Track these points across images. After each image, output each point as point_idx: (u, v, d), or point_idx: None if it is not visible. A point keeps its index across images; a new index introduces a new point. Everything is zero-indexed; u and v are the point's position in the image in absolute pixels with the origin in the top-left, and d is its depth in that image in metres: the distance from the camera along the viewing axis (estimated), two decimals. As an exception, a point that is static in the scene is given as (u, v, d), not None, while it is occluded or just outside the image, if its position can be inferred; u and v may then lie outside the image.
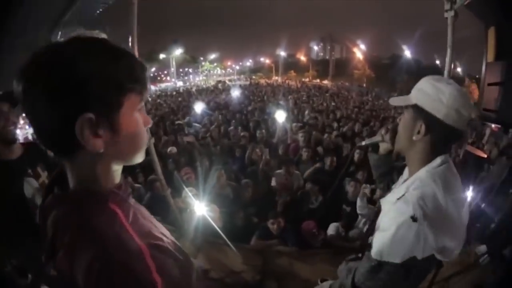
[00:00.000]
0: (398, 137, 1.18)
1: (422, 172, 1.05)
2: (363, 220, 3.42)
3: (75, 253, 0.58)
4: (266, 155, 4.87)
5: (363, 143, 1.49)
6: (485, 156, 3.71)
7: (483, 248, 2.79)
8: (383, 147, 1.39)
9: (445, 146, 1.07)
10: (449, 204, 0.97)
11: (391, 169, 1.45)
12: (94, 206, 0.63)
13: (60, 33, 3.00)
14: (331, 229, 3.44)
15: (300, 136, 5.54)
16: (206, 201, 3.22)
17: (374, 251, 1.04)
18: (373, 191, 3.54)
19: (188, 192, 3.37)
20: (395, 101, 1.17)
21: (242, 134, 6.09)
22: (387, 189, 1.43)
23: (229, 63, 54.07)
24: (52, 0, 2.78)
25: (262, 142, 5.54)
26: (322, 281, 2.10)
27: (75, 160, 0.64)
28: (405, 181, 1.16)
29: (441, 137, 1.04)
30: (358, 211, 3.38)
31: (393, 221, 1.00)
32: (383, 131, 1.31)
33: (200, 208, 3.06)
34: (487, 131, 12.56)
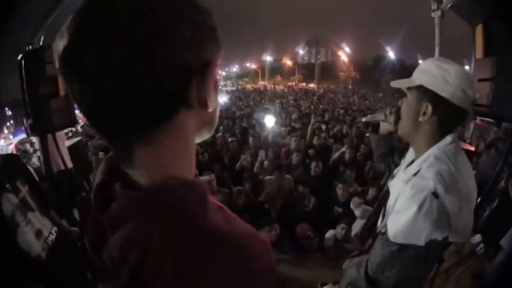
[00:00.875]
0: (402, 121, 1.13)
1: (434, 150, 1.02)
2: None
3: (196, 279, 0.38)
4: (262, 156, 4.84)
5: (363, 119, 1.46)
6: (473, 149, 3.78)
7: (478, 237, 2.81)
8: (384, 127, 1.37)
9: (451, 126, 1.05)
10: (463, 181, 0.96)
11: (392, 149, 1.43)
12: (199, 204, 0.43)
13: (42, 37, 2.88)
14: (328, 238, 3.39)
15: (293, 140, 5.54)
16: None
17: (393, 235, 0.98)
18: (363, 193, 3.55)
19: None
20: (397, 83, 1.13)
21: (230, 140, 6.06)
22: (388, 169, 1.43)
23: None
24: (36, 3, 2.70)
25: (254, 148, 5.52)
26: (322, 285, 2.08)
27: (157, 139, 0.42)
28: (411, 163, 1.13)
29: (447, 117, 1.03)
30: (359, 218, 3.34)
31: (411, 199, 0.94)
32: (387, 111, 1.26)
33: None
34: (471, 125, 12.88)
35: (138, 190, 0.42)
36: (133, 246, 0.40)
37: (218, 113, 0.51)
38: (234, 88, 31.70)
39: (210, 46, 0.43)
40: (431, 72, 1.03)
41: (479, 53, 2.20)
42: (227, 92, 20.92)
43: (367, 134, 1.49)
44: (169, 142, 0.43)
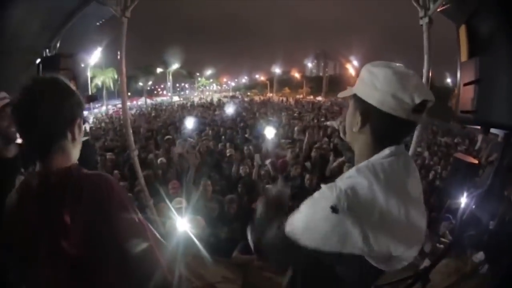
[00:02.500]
0: (346, 128, 1.06)
1: (364, 162, 0.90)
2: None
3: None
4: (258, 161, 4.89)
5: (328, 123, 1.52)
6: (476, 162, 3.72)
7: (480, 255, 2.68)
8: (341, 132, 1.25)
9: (389, 137, 0.92)
10: (390, 201, 0.82)
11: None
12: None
13: (59, 42, 3.12)
14: None
15: (289, 152, 5.59)
16: (191, 213, 3.24)
17: (287, 229, 0.94)
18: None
19: (171, 207, 3.38)
20: (341, 94, 1.06)
21: (228, 150, 6.15)
22: None
23: (224, 80, 54.62)
24: (53, 11, 2.89)
25: (249, 158, 5.58)
26: None
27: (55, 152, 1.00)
28: None
29: (380, 126, 0.92)
30: None
31: (311, 203, 0.89)
32: (340, 119, 1.23)
33: (183, 224, 3.07)
34: (480, 138, 12.64)
35: None
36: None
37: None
38: (242, 99, 31.79)
39: (74, 112, 0.98)
40: (362, 78, 0.94)
41: (463, 55, 2.08)
42: (234, 103, 21.05)
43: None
44: (59, 153, 0.99)
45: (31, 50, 2.86)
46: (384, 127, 0.91)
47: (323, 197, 0.86)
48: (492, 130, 2.07)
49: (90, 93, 18.65)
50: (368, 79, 0.91)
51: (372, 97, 0.89)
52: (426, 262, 3.03)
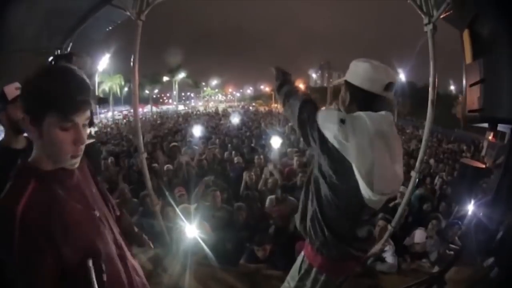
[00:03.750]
0: (339, 106, 1.47)
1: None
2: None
3: None
4: (267, 174, 4.89)
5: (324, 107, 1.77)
6: (483, 166, 3.69)
7: (490, 260, 2.63)
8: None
9: (369, 106, 1.31)
10: (377, 141, 1.21)
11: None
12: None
13: (71, 44, 3.23)
14: None
15: (295, 160, 5.59)
16: (198, 220, 3.25)
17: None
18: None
19: (179, 213, 3.39)
20: (336, 81, 1.76)
21: (235, 159, 6.17)
22: None
23: (230, 90, 55.07)
24: (66, 14, 2.99)
25: (259, 167, 5.59)
26: None
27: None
28: None
29: (362, 101, 1.33)
30: None
31: (326, 112, 1.34)
32: (335, 102, 1.60)
33: (192, 231, 3.08)
34: (485, 144, 12.47)
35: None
36: None
37: (54, 149, 0.92)
38: (247, 109, 31.96)
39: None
40: (350, 70, 1.39)
41: (468, 58, 2.19)
42: (239, 113, 21.17)
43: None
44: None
45: (44, 51, 2.96)
46: (365, 101, 1.32)
47: (335, 114, 1.28)
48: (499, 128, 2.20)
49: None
50: (354, 69, 1.37)
51: (357, 80, 1.34)
52: (436, 269, 3.00)
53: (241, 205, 3.98)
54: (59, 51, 2.99)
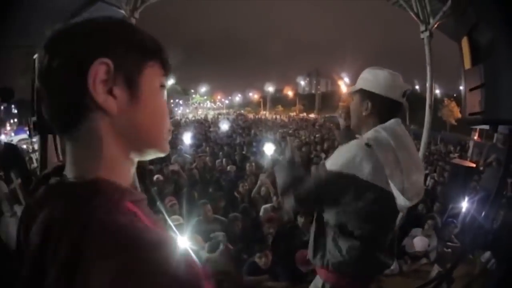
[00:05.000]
0: (351, 117, 1.45)
1: (377, 126, 1.29)
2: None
3: (86, 266, 0.38)
4: (262, 181, 4.82)
5: (327, 115, 1.78)
6: (474, 165, 3.80)
7: (487, 255, 2.79)
8: (341, 123, 1.68)
9: (389, 114, 1.31)
10: (401, 151, 1.20)
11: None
12: (108, 202, 0.45)
13: None
14: None
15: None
16: (190, 232, 3.14)
17: (327, 166, 1.26)
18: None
19: (171, 223, 3.27)
20: (349, 89, 1.47)
21: (228, 167, 6.09)
22: None
23: (218, 97, 55.23)
24: (56, 11, 2.91)
25: (251, 175, 5.52)
26: None
27: (79, 138, 0.49)
28: None
29: (384, 107, 1.32)
30: None
31: (344, 148, 1.26)
32: (339, 112, 1.63)
33: (183, 242, 2.95)
34: (471, 143, 12.99)
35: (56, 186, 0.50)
36: (42, 229, 0.44)
37: (143, 122, 0.53)
38: (235, 117, 32.08)
39: (88, 57, 0.47)
40: (366, 78, 1.37)
41: (467, 63, 2.28)
42: (228, 120, 21.18)
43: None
44: (85, 141, 0.49)
45: (32, 49, 2.82)
46: (386, 108, 1.32)
47: (354, 143, 1.24)
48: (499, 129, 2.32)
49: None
50: (373, 78, 1.35)
51: (378, 88, 1.32)
52: (436, 268, 3.00)
53: (237, 215, 3.87)
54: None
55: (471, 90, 2.23)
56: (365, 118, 1.35)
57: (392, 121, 1.29)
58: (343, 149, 1.26)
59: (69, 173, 0.50)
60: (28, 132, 2.59)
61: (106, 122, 0.49)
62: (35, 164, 3.86)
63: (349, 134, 1.63)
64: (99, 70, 0.46)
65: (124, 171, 0.53)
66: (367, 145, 1.18)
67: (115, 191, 0.47)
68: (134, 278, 0.37)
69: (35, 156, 4.39)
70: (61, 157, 2.87)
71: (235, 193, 4.91)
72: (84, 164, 0.49)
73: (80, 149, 0.50)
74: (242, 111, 39.78)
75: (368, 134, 1.26)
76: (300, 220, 3.79)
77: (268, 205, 4.22)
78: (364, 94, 1.35)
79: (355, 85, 1.42)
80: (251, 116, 36.13)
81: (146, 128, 0.53)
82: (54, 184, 0.50)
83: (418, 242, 3.68)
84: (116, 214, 0.43)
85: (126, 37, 0.51)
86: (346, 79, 47.37)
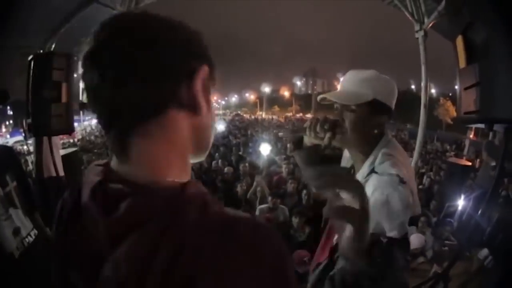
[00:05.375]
0: (350, 134, 1.07)
1: (385, 149, 1.05)
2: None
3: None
4: (263, 185, 4.76)
5: (281, 134, 1.39)
6: (470, 164, 3.84)
7: (484, 252, 2.78)
8: (310, 140, 1.16)
9: (386, 126, 1.13)
10: (407, 166, 1.04)
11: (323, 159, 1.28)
12: (207, 197, 0.44)
13: (54, 44, 3.10)
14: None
15: (284, 168, 5.55)
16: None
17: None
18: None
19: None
20: (346, 99, 1.08)
21: (225, 169, 6.08)
22: None
23: (215, 98, 55.15)
24: (51, 12, 2.89)
25: (246, 176, 5.51)
26: None
27: (150, 132, 0.46)
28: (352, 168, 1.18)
29: (386, 120, 1.10)
30: None
31: (378, 193, 0.94)
32: (317, 128, 1.08)
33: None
34: (467, 142, 13.08)
35: (143, 189, 0.42)
36: (158, 245, 0.37)
37: (211, 126, 0.54)
38: (232, 118, 32.06)
39: (200, 58, 0.50)
40: (377, 86, 1.06)
41: (462, 63, 2.28)
42: (225, 120, 21.17)
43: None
44: (161, 137, 0.46)
45: (26, 50, 2.78)
46: (387, 119, 1.10)
47: (387, 182, 0.95)
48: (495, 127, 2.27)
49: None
50: (389, 88, 1.09)
51: (390, 102, 1.09)
52: (436, 268, 3.02)
53: None
54: (41, 50, 2.85)
55: (466, 89, 2.24)
56: (374, 136, 1.09)
57: (390, 137, 1.11)
58: (380, 196, 0.94)
59: (136, 175, 0.44)
60: (23, 134, 2.56)
61: (189, 122, 0.49)
62: (30, 167, 3.84)
63: (316, 155, 1.23)
64: (204, 73, 0.49)
65: (188, 173, 0.51)
66: (401, 180, 0.94)
67: (200, 186, 0.46)
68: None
69: (30, 159, 4.36)
70: (56, 159, 2.87)
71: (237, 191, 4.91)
72: (161, 163, 0.46)
73: (157, 140, 0.46)
74: (239, 112, 39.75)
75: (392, 168, 0.98)
76: (295, 220, 3.77)
77: (264, 206, 4.21)
78: (376, 105, 1.06)
79: (355, 91, 1.09)
80: (247, 116, 36.15)
81: (209, 133, 0.55)
82: (140, 193, 0.42)
83: (415, 239, 3.70)
84: (219, 207, 0.43)
85: (207, 53, 0.53)
86: (342, 79, 47.60)
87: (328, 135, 1.05)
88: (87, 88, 0.46)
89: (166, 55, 0.45)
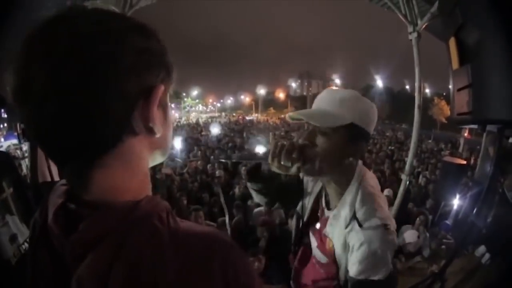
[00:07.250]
0: (323, 165, 0.94)
1: (358, 180, 0.97)
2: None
3: None
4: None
5: (234, 160, 1.19)
6: (465, 162, 3.87)
7: (482, 249, 2.79)
8: (272, 169, 1.03)
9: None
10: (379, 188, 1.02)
11: (284, 187, 1.24)
12: (169, 212, 0.45)
13: None
14: None
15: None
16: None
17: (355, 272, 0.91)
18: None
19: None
20: (320, 120, 0.94)
21: (217, 172, 6.08)
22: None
23: (210, 100, 55.12)
24: (46, 14, 2.88)
25: (243, 178, 5.52)
26: None
27: (107, 164, 0.43)
28: (326, 198, 1.09)
29: (363, 147, 0.99)
30: None
31: (365, 245, 0.88)
32: (282, 155, 0.95)
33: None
34: (461, 140, 13.18)
35: (99, 210, 0.41)
36: (119, 261, 0.38)
37: (170, 136, 0.52)
38: (227, 120, 32.04)
39: (155, 71, 0.44)
40: (360, 109, 0.95)
41: (455, 64, 2.31)
42: (220, 123, 21.16)
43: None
44: (120, 167, 0.44)
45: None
46: (364, 148, 1.01)
47: (373, 236, 0.88)
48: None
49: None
50: (366, 111, 0.96)
51: (368, 126, 0.96)
52: (435, 267, 3.04)
53: (223, 219, 3.81)
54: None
55: (459, 90, 2.27)
56: (348, 165, 0.97)
57: (361, 163, 1.03)
58: (368, 247, 0.88)
59: (95, 195, 0.43)
60: (17, 137, 2.53)
61: (147, 142, 0.46)
62: (24, 171, 3.79)
63: (278, 179, 1.20)
64: (159, 92, 0.44)
65: (148, 186, 0.50)
66: (386, 227, 0.88)
67: (163, 203, 0.46)
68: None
69: (25, 163, 4.31)
70: (51, 164, 2.83)
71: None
72: (119, 186, 0.44)
73: (116, 170, 0.43)
74: (234, 115, 39.74)
75: (373, 210, 0.91)
76: (292, 222, 3.76)
77: (260, 208, 4.20)
78: (354, 130, 0.93)
79: (331, 111, 0.94)
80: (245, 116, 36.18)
81: (168, 141, 0.52)
82: (106, 213, 0.41)
83: (408, 234, 3.77)
84: (180, 222, 0.45)
85: (164, 58, 0.46)
86: (337, 81, 47.93)
87: (296, 164, 0.94)
88: (28, 127, 0.41)
89: (109, 77, 0.39)
